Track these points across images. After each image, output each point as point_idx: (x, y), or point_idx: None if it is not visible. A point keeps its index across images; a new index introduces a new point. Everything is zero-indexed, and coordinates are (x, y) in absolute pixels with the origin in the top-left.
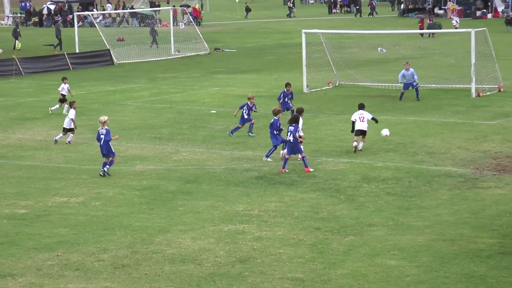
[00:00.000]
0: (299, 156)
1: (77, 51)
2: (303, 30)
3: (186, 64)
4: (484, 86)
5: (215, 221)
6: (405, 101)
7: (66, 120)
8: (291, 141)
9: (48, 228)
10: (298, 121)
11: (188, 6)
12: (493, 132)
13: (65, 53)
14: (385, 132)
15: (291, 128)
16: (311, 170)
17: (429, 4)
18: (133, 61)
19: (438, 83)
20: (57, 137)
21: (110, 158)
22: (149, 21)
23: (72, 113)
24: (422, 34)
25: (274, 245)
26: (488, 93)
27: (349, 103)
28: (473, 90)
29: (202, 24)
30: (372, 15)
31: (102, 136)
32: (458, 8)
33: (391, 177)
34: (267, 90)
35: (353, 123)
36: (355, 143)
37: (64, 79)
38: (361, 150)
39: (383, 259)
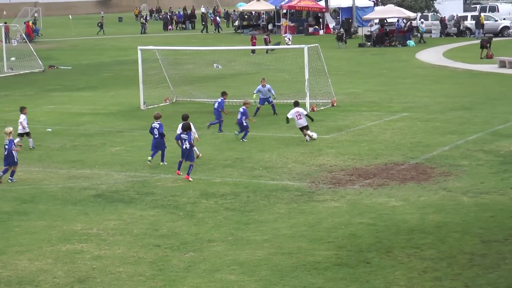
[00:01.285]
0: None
1: None
2: (139, 47)
3: (20, 82)
4: (318, 101)
5: (53, 241)
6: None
7: (20, 126)
8: (187, 148)
9: None
10: (191, 128)
11: (29, 22)
12: (327, 146)
13: None
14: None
15: (185, 136)
16: (191, 180)
17: (263, 21)
18: None
19: (274, 98)
20: (30, 144)
21: (12, 168)
22: None
23: (22, 117)
24: (253, 51)
25: (114, 263)
26: (322, 108)
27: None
28: (307, 105)
29: (36, 41)
30: (218, 31)
31: (6, 146)
32: (291, 24)
33: (229, 193)
34: (103, 107)
35: (287, 118)
36: (306, 137)
37: None
38: (315, 139)
39: (223, 274)
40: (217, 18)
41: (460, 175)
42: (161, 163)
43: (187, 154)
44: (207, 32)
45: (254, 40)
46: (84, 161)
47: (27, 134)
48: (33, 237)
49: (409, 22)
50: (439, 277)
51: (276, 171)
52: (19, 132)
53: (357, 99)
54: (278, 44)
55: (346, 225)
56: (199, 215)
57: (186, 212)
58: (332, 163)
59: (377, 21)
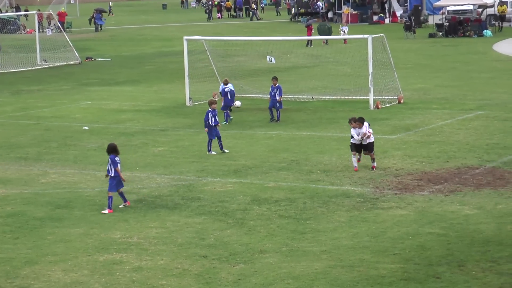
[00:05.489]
0: (116, 192)
1: None
2: (185, 37)
3: (55, 75)
4: (383, 97)
5: (89, 250)
6: (299, 114)
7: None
8: (114, 176)
9: None
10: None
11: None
12: (393, 148)
13: None
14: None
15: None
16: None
17: (322, 8)
18: None
19: (334, 94)
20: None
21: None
22: (11, 27)
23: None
24: (309, 43)
25: (156, 276)
26: (387, 105)
27: (236, 117)
28: (371, 102)
29: (72, 30)
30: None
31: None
32: (354, 12)
33: (284, 198)
34: (145, 104)
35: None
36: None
37: None
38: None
39: None
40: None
41: None
42: (221, 151)
43: (117, 182)
44: (295, 19)
45: (311, 31)
46: (124, 163)
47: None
48: (68, 245)
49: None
50: None
51: (336, 175)
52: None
53: (427, 95)
54: (330, 29)
55: (413, 236)
56: (250, 223)
57: (236, 220)
58: (399, 167)
59: (449, 8)
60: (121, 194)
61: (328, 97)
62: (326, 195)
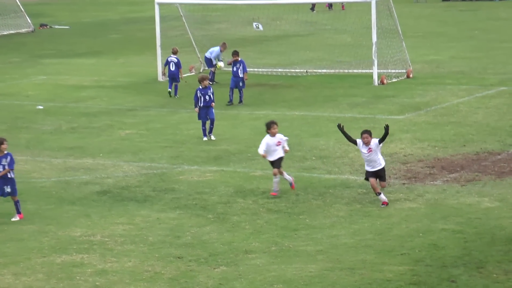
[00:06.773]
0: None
1: None
2: (156, 1)
3: (3, 46)
4: (389, 71)
5: (45, 251)
6: (290, 91)
7: None
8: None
9: None
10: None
11: None
12: (401, 130)
13: None
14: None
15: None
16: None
17: None
18: None
19: (331, 68)
20: None
21: None
22: None
23: None
24: (312, 8)
25: (123, 280)
26: (394, 80)
27: (217, 95)
28: (375, 76)
29: None
30: None
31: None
32: None
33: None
34: (110, 79)
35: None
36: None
37: None
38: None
39: None
40: None
41: None
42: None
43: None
44: None
45: None
46: (85, 148)
47: None
48: (20, 245)
49: None
50: None
51: (333, 162)
52: None
53: (440, 68)
54: None
55: (424, 233)
56: (233, 219)
57: (216, 215)
58: (407, 152)
59: None
60: (17, 203)
61: (325, 70)
62: (322, 185)
